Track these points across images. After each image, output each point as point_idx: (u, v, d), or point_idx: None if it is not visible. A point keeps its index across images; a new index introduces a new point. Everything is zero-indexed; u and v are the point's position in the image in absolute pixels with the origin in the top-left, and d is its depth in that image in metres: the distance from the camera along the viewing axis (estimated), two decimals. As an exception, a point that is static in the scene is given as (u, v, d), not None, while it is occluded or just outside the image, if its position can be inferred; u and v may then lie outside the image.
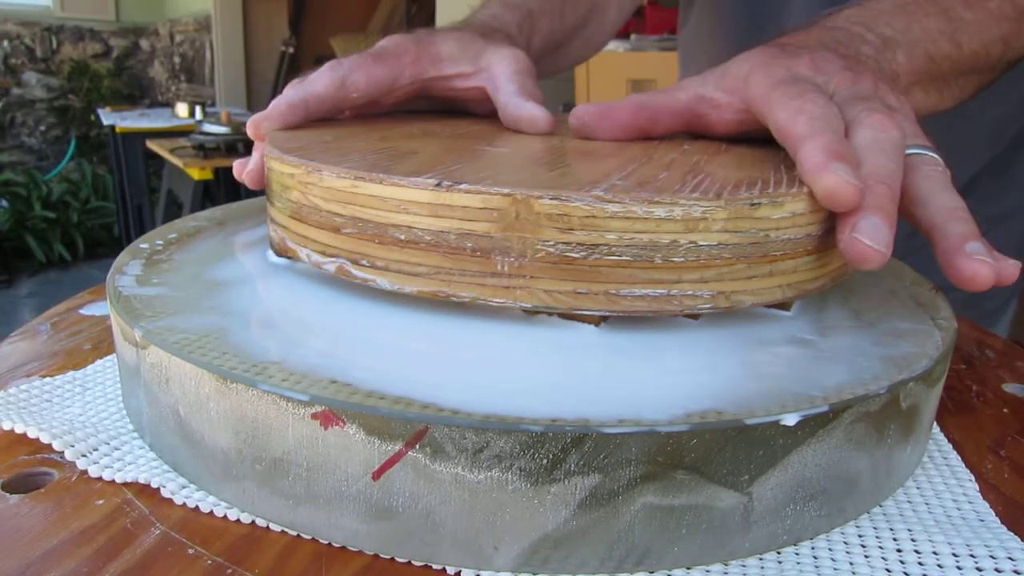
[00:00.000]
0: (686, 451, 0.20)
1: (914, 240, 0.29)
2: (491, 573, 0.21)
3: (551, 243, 0.23)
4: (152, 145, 2.47)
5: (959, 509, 0.25)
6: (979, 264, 0.25)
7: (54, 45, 3.50)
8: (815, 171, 0.24)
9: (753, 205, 0.24)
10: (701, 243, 0.24)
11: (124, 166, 2.71)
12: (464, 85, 0.41)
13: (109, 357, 0.34)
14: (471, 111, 0.44)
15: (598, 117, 0.34)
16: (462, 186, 0.24)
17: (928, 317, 0.30)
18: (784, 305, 0.28)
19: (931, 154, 0.29)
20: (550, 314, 0.26)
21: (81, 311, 0.40)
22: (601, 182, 0.25)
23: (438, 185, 0.24)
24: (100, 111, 3.08)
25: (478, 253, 0.24)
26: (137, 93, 3.71)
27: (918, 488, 0.26)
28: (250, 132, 0.37)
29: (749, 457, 0.21)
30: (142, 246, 0.35)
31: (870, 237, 0.24)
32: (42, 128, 3.54)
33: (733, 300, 0.25)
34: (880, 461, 0.24)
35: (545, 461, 0.20)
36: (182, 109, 2.78)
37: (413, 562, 0.21)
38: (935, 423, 0.31)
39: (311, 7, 3.52)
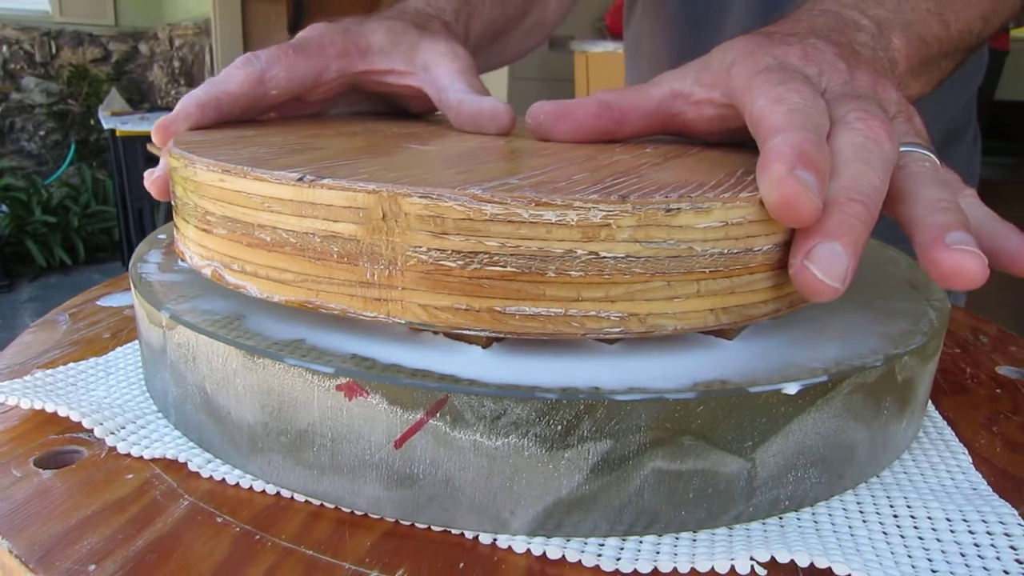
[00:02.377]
0: (692, 418, 0.21)
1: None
2: (507, 537, 0.22)
3: (423, 249, 0.21)
4: (153, 149, 2.48)
5: (953, 479, 0.26)
6: (961, 255, 0.21)
7: (53, 50, 3.51)
8: (774, 173, 0.21)
9: (669, 211, 0.21)
10: (604, 255, 0.21)
11: (124, 170, 2.72)
12: (398, 82, 0.38)
13: (129, 344, 0.35)
14: (407, 108, 0.41)
15: (554, 116, 0.31)
16: (325, 181, 0.22)
17: (923, 298, 0.31)
18: (724, 332, 0.25)
19: (922, 151, 0.26)
20: (435, 332, 0.24)
21: (98, 303, 0.41)
22: (492, 180, 0.22)
23: (300, 180, 0.22)
24: (100, 115, 3.09)
25: (345, 259, 0.22)
26: (136, 97, 3.72)
27: (914, 460, 0.27)
28: (155, 138, 0.33)
29: (752, 424, 0.22)
30: (160, 236, 0.36)
31: (824, 268, 0.20)
32: (41, 133, 3.55)
33: (649, 324, 0.22)
34: (877, 432, 0.25)
35: (559, 427, 0.21)
36: (182, 113, 2.79)
37: (432, 528, 0.22)
38: (930, 402, 0.32)
39: (310, 10, 3.54)
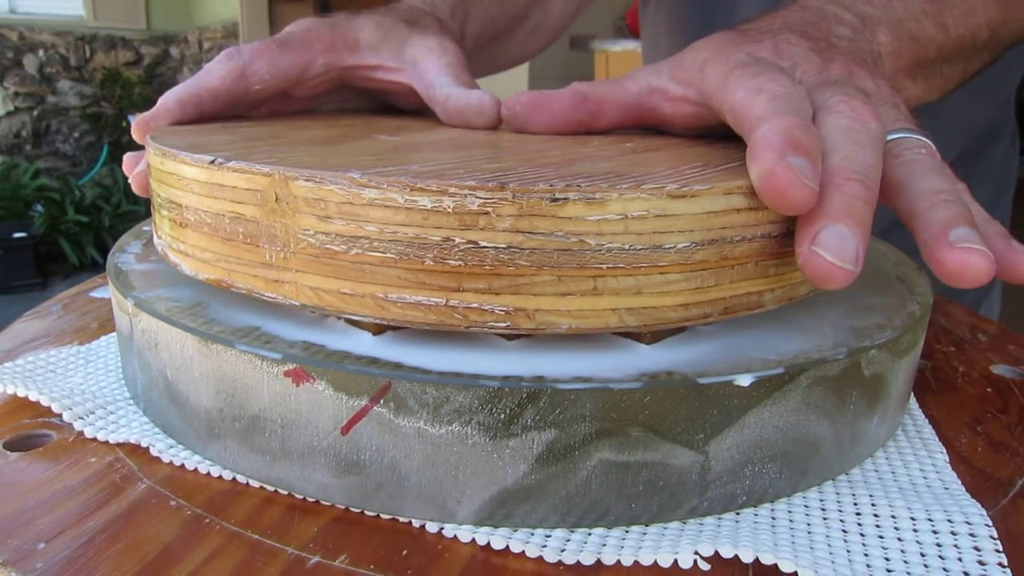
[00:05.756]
0: (639, 408, 0.21)
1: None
2: (454, 526, 0.22)
3: (311, 232, 0.21)
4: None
5: (925, 478, 0.26)
6: (966, 253, 0.20)
7: (87, 54, 3.60)
8: (765, 161, 0.20)
9: (555, 201, 0.19)
10: (484, 244, 0.20)
11: (153, 170, 2.77)
12: (387, 78, 0.38)
13: (113, 333, 0.35)
14: (398, 106, 0.40)
15: (530, 107, 0.31)
16: (230, 164, 0.22)
17: (907, 292, 0.30)
18: (639, 335, 0.23)
19: (916, 136, 0.25)
20: (338, 317, 0.24)
21: (91, 294, 0.42)
22: (391, 167, 0.21)
23: (212, 162, 0.23)
24: (130, 118, 3.16)
25: (249, 240, 0.22)
26: (167, 100, 3.79)
27: (887, 458, 0.27)
28: (134, 134, 0.33)
29: (704, 416, 0.21)
30: (145, 228, 0.36)
31: (834, 252, 0.19)
32: (76, 135, 3.63)
33: (540, 321, 0.21)
34: (843, 428, 0.24)
35: (503, 416, 0.21)
36: (209, 114, 2.83)
37: (381, 516, 0.22)
38: (914, 399, 0.31)
39: (336, 12, 3.57)
